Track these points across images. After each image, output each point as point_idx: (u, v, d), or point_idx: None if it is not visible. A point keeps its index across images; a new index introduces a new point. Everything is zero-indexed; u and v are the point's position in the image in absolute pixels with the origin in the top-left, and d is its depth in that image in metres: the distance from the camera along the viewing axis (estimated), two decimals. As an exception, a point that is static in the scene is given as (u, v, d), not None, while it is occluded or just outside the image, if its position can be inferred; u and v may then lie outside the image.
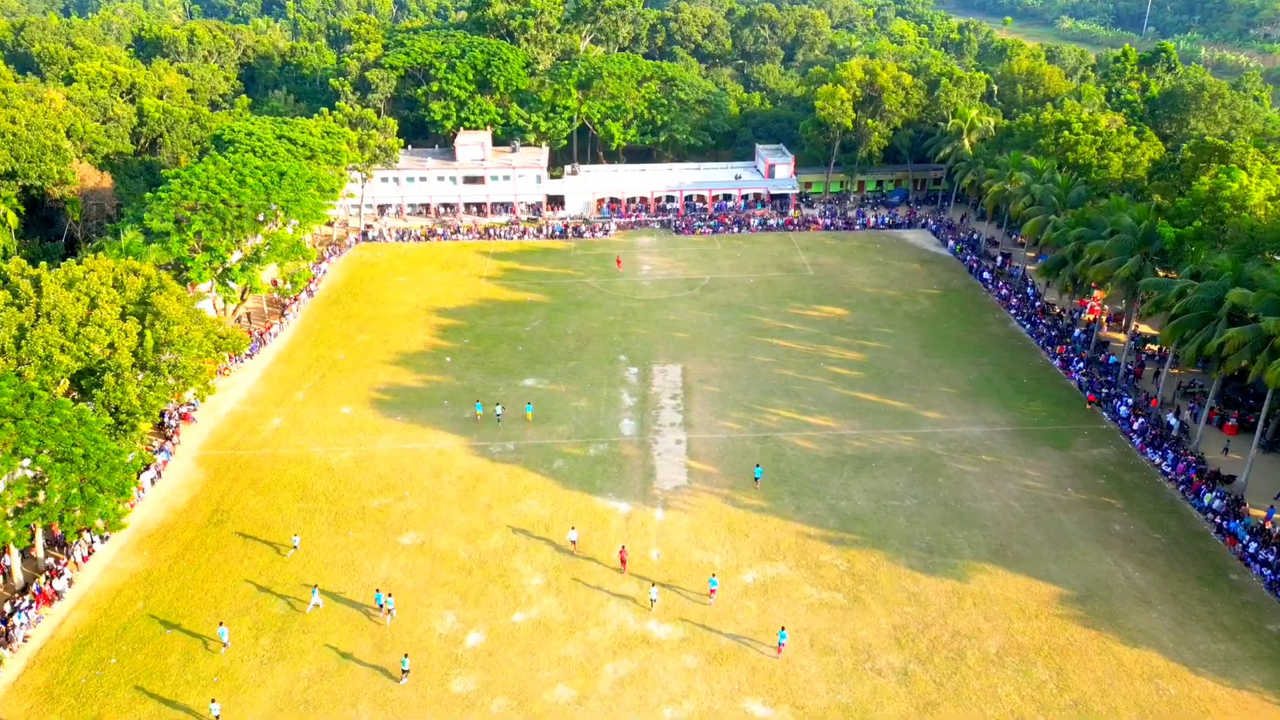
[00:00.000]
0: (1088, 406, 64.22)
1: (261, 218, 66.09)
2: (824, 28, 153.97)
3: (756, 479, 56.31)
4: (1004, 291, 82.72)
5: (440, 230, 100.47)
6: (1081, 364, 68.63)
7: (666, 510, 54.03)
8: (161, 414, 61.95)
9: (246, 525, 52.74)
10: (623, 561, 48.95)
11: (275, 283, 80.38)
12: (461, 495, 55.54)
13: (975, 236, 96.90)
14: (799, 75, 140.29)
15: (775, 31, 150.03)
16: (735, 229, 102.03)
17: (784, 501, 54.62)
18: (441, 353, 73.86)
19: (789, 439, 61.16)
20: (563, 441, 61.23)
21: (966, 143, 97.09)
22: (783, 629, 43.79)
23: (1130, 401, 62.96)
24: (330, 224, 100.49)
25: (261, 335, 74.34)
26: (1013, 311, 79.64)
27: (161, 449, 58.37)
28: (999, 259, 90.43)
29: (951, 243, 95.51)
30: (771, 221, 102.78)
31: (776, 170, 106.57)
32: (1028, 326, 76.58)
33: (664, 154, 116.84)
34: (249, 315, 78.37)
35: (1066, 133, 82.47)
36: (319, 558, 50.10)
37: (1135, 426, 60.43)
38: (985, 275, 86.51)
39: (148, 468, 55.42)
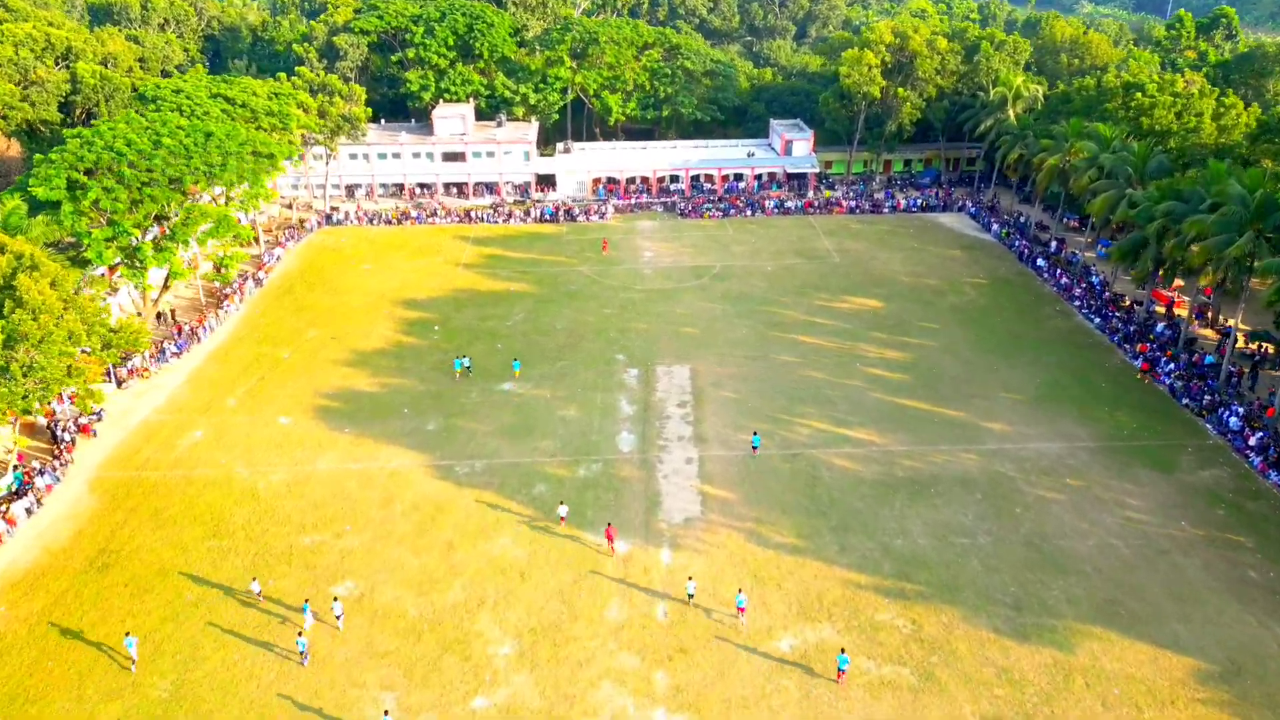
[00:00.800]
0: (1139, 376, 54.17)
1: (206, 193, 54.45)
2: (839, 2, 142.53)
3: (754, 448, 49.25)
4: (1063, 280, 71.20)
5: (415, 213, 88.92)
6: (1173, 365, 57.08)
7: (675, 550, 42.55)
8: (53, 425, 50.40)
9: (138, 570, 41.19)
10: (609, 540, 42.20)
11: (219, 269, 68.90)
12: (416, 531, 44.01)
13: (1022, 219, 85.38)
14: (813, 51, 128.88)
15: (786, 6, 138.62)
16: (748, 212, 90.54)
17: (824, 539, 43.11)
18: (405, 351, 62.34)
19: (825, 456, 49.69)
20: (546, 460, 49.74)
21: (1011, 113, 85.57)
22: (843, 651, 34.86)
23: (1241, 411, 51.46)
24: (290, 205, 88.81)
25: (193, 330, 62.76)
26: (1076, 304, 68.11)
27: (45, 470, 46.83)
28: (1052, 244, 78.91)
29: (996, 226, 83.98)
30: (789, 204, 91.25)
31: (794, 147, 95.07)
32: (1096, 320, 65.07)
33: (667, 131, 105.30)
34: (173, 311, 66.70)
35: (1139, 95, 70.98)
36: (229, 614, 38.58)
37: (1252, 443, 48.96)
38: (1040, 262, 74.99)
39: (19, 494, 43.91)
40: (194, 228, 55.62)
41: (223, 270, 65.12)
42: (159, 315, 63.98)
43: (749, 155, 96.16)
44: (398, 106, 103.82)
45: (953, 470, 48.49)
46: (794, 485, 46.99)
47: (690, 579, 39.47)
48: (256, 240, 78.84)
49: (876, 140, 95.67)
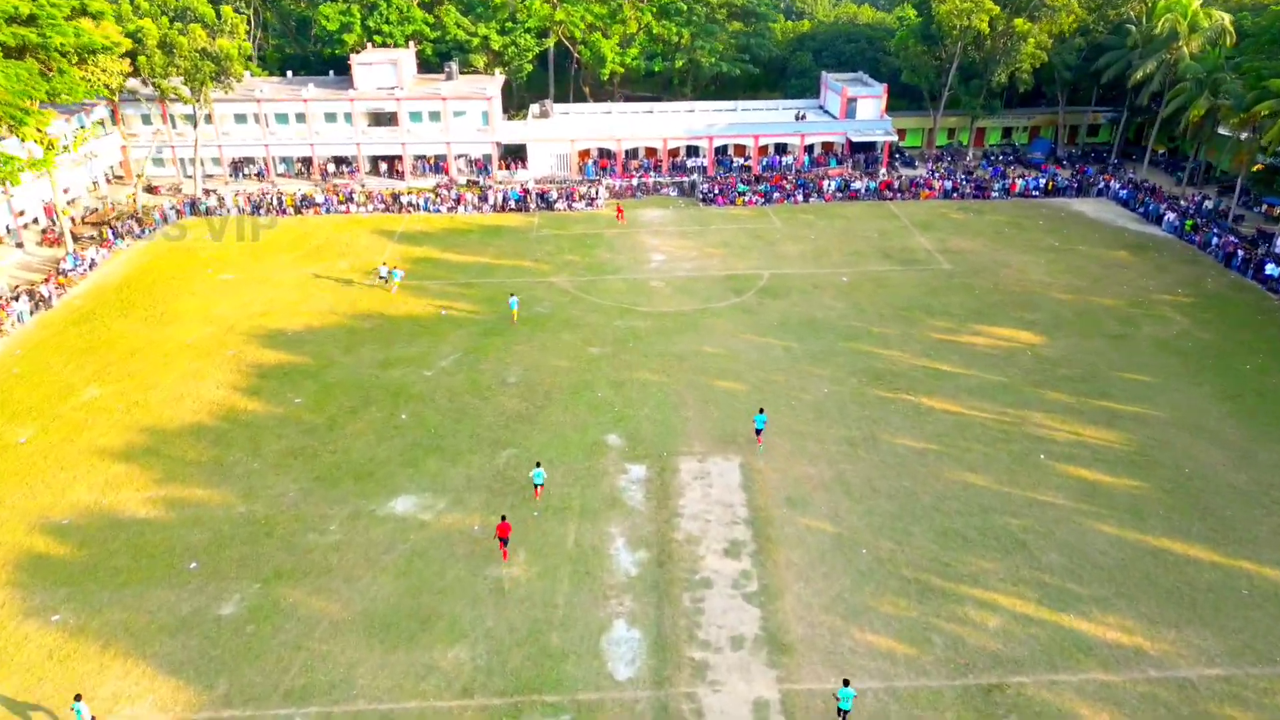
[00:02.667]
0: None
1: None
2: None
3: (758, 432, 33.63)
4: (1327, 298, 44.34)
5: (322, 198, 62.02)
6: None
7: None
8: None
9: None
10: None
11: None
12: None
13: (1206, 206, 58.48)
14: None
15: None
16: (798, 196, 63.71)
17: None
18: (236, 429, 35.50)
19: (1049, 694, 22.82)
20: (450, 704, 22.90)
21: (1186, 51, 58.69)
22: None
23: None
24: (151, 187, 61.85)
25: None
26: (1365, 337, 41.26)
27: None
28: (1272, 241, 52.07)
29: (1172, 216, 56.99)
30: (857, 185, 64.31)
31: (859, 107, 68.19)
32: None
33: (680, 89, 78.47)
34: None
35: None
36: None
37: None
38: (1272, 269, 48.06)
39: None
40: None
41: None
42: None
43: (798, 118, 69.19)
44: (320, 68, 76.79)
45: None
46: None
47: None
48: (58, 239, 52.04)
49: (973, 99, 68.63)
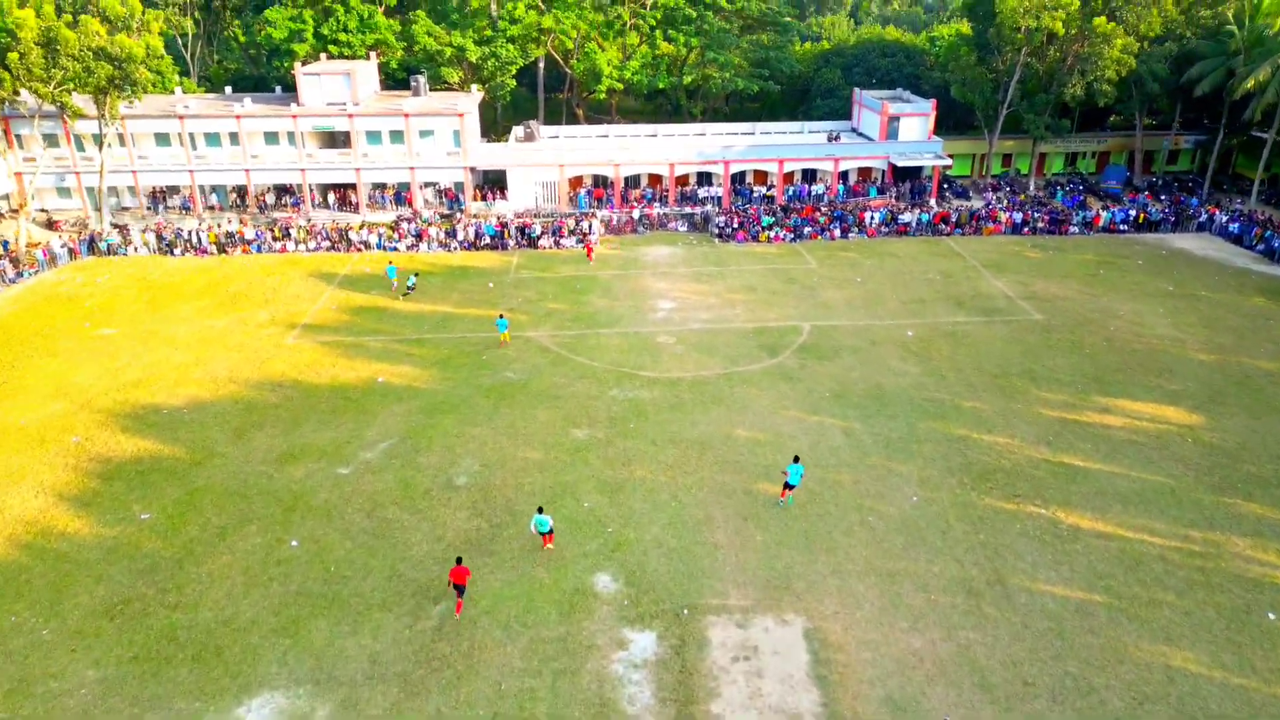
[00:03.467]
0: None
1: None
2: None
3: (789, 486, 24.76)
4: None
5: (255, 234, 50.69)
6: None
7: None
8: None
9: None
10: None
11: None
12: None
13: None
14: (881, 20, 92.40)
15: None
16: (834, 230, 52.43)
17: None
18: (49, 553, 23.56)
19: None
20: None
21: (1312, 53, 47.96)
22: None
23: None
24: (51, 222, 50.48)
25: None
26: None
27: None
28: None
29: (1309, 253, 45.66)
30: (906, 218, 53.05)
31: (903, 127, 57.29)
32: None
33: (689, 110, 67.82)
34: None
35: None
36: None
37: None
38: None
39: None
40: None
41: None
42: None
43: (831, 139, 58.23)
44: (267, 85, 66.18)
45: None
46: None
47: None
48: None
49: (1037, 118, 57.67)
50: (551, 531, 23.86)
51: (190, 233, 49.72)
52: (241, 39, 68.79)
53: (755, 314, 40.89)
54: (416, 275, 44.21)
